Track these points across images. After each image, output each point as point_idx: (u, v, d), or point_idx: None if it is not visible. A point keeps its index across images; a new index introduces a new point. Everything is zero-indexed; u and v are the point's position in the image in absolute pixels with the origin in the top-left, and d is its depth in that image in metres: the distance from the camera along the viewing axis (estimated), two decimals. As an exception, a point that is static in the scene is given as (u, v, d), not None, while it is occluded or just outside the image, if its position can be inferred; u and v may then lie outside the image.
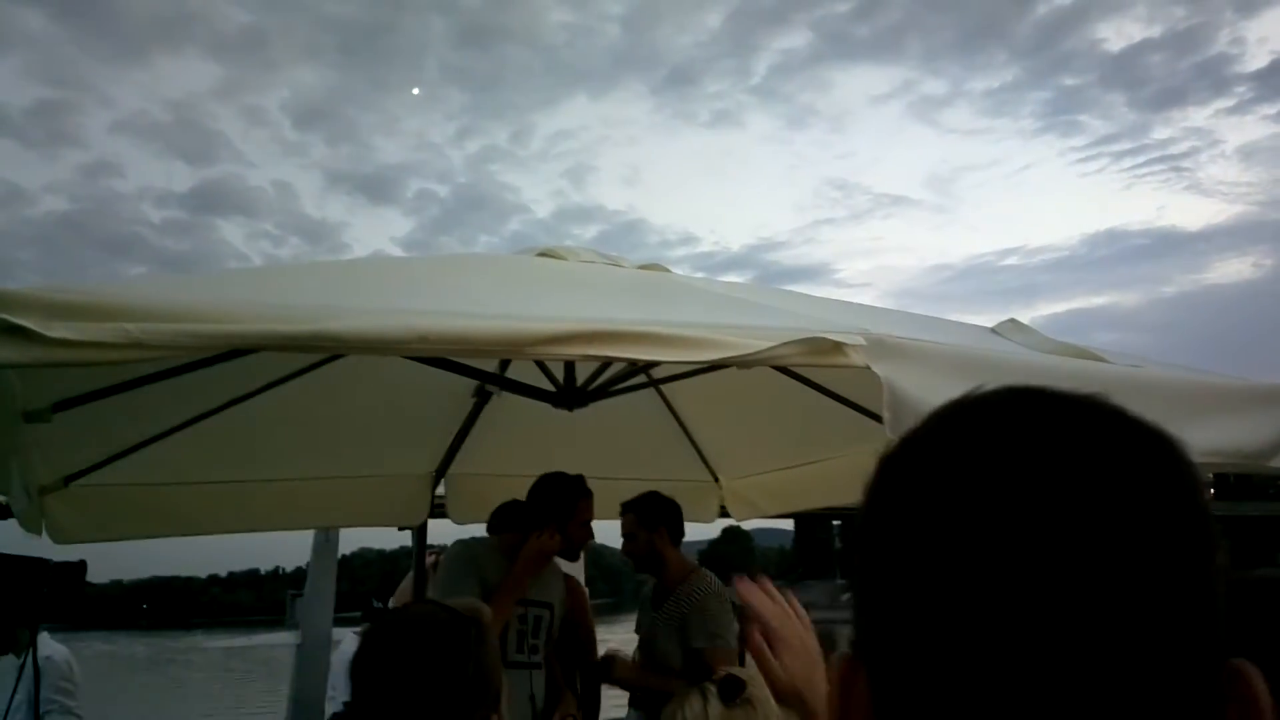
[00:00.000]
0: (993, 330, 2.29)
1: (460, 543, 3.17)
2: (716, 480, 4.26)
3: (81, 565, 2.11)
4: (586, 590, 3.88)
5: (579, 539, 3.02)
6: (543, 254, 2.74)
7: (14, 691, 2.20)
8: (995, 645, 0.39)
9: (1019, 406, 0.45)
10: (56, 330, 1.21)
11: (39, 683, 2.01)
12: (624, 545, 3.28)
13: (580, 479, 3.03)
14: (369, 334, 1.36)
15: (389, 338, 1.38)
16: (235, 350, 1.88)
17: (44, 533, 2.80)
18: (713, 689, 2.32)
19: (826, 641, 1.23)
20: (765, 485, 4.23)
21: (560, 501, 2.98)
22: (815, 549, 78.14)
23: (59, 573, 2.07)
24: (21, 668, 2.00)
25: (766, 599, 1.21)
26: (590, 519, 3.06)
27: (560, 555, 3.05)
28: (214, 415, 2.95)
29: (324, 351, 1.84)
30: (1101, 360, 1.97)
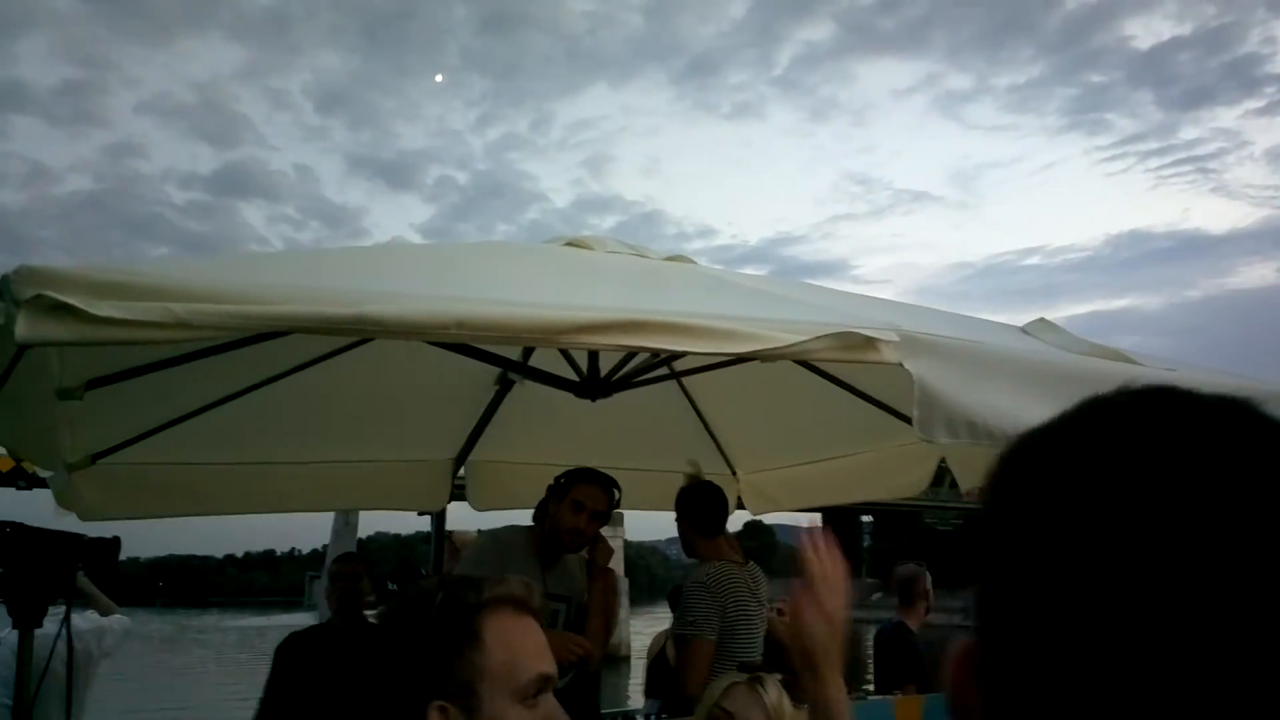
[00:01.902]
0: (1023, 330, 2.27)
1: (488, 534, 3.19)
2: (734, 473, 4.25)
3: (115, 541, 2.14)
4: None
5: (568, 523, 2.94)
6: (570, 243, 2.74)
7: (47, 664, 2.23)
8: (1157, 651, 0.38)
9: (1177, 408, 0.44)
10: (103, 309, 1.22)
11: (72, 657, 2.05)
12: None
13: (589, 469, 3.02)
14: (408, 318, 1.37)
15: (427, 322, 1.39)
16: (268, 333, 1.90)
17: (72, 509, 2.85)
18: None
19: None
20: (782, 480, 4.22)
21: (559, 485, 2.99)
22: (844, 546, 77.38)
23: (94, 548, 2.10)
24: (56, 640, 2.03)
25: (817, 557, 1.26)
26: (589, 504, 2.96)
27: (561, 547, 3.03)
28: (239, 398, 2.98)
29: (364, 335, 1.86)
30: (1134, 363, 1.95)
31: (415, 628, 1.12)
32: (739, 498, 4.31)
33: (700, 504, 3.23)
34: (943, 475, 3.75)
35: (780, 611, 2.92)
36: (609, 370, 2.97)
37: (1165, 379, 0.50)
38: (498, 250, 2.69)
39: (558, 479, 3.03)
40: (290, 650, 3.38)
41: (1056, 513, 0.43)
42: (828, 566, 1.25)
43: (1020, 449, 0.47)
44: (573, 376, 3.00)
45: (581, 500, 2.96)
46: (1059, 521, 0.42)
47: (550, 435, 3.71)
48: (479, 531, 4.20)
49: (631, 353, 2.77)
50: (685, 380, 3.71)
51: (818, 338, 1.63)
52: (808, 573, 1.23)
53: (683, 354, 1.73)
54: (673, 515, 3.27)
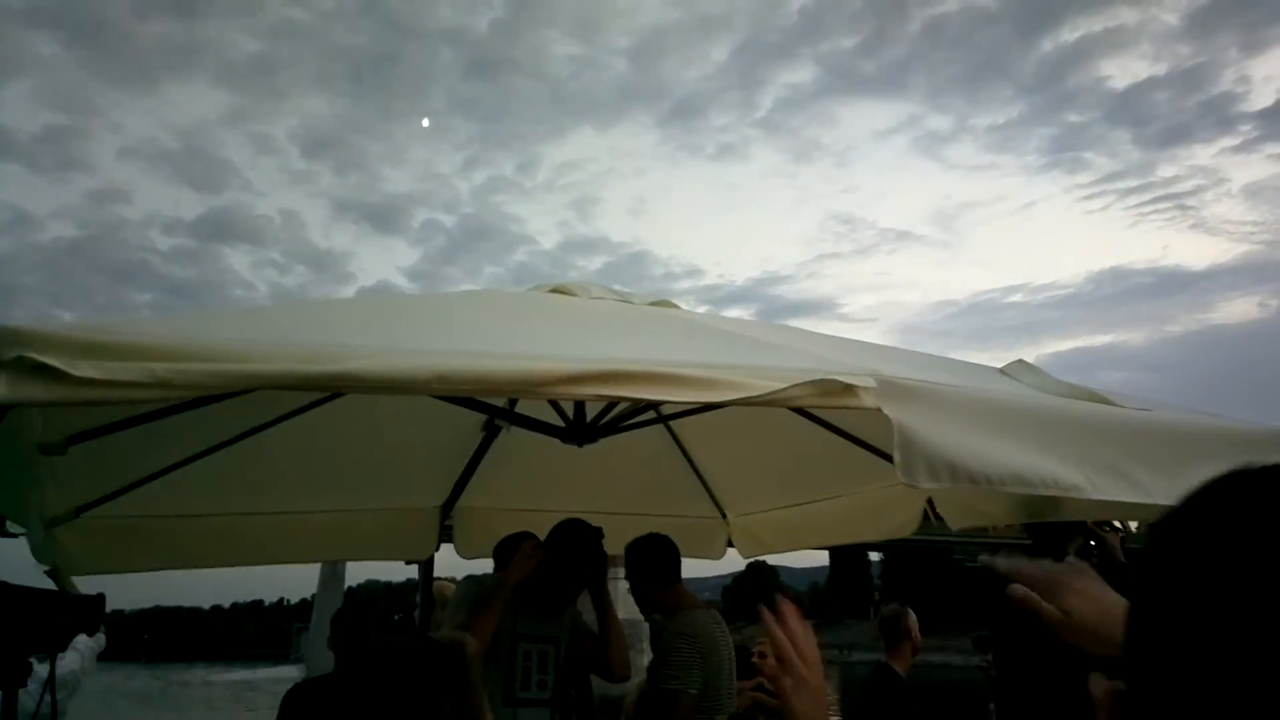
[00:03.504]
0: (1001, 371, 2.30)
1: (470, 579, 3.17)
2: (724, 516, 4.25)
3: (100, 599, 2.11)
4: (643, 625, 3.81)
5: (577, 589, 3.03)
6: (555, 290, 2.77)
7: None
8: None
9: None
10: (83, 369, 1.23)
11: (56, 713, 2.01)
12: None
13: (594, 536, 3.02)
14: (388, 374, 1.38)
15: (407, 378, 1.40)
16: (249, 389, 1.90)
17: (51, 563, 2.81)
18: None
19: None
20: (773, 522, 4.21)
21: (572, 553, 2.99)
22: (853, 586, 75.35)
23: (78, 606, 2.07)
24: (40, 700, 1.99)
25: (783, 632, 1.21)
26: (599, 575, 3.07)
27: (559, 601, 3.04)
28: (223, 448, 2.97)
29: (344, 391, 1.87)
30: (1111, 404, 1.98)
31: None
32: (729, 540, 4.30)
33: (651, 558, 3.19)
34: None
35: (763, 655, 2.88)
36: (595, 416, 2.98)
37: (1140, 420, 0.58)
38: (481, 299, 2.71)
39: (566, 541, 3.01)
40: (299, 701, 3.28)
41: (1222, 584, 0.47)
42: (799, 641, 1.21)
43: (1179, 523, 0.52)
44: (559, 422, 3.01)
45: (594, 574, 3.02)
46: (1225, 594, 0.47)
47: (537, 481, 3.70)
48: (457, 581, 4.17)
49: (615, 401, 2.78)
50: (673, 424, 3.72)
51: (796, 385, 1.64)
52: (780, 654, 1.19)
53: (664, 402, 1.75)
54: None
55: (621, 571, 3.21)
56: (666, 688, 2.83)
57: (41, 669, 2.08)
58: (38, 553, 2.61)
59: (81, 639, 3.77)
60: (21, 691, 2.09)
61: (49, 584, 2.44)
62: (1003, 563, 1.25)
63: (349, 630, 3.34)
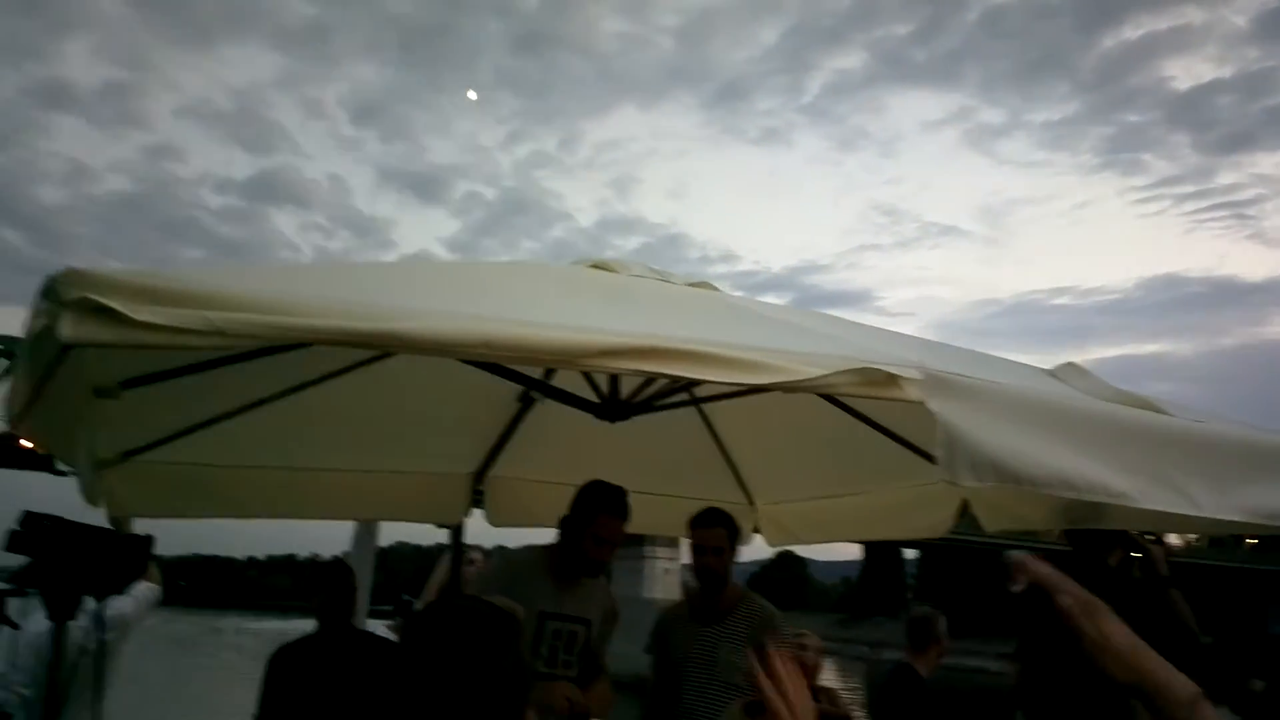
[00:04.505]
0: (1050, 373, 2.26)
1: (501, 555, 3.20)
2: (752, 503, 4.23)
3: (148, 540, 2.18)
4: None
5: (592, 554, 2.97)
6: (595, 266, 2.77)
7: (77, 658, 2.27)
8: None
9: None
10: (143, 314, 1.27)
11: (102, 655, 2.08)
12: (708, 560, 3.19)
13: (612, 493, 2.98)
14: (436, 336, 1.40)
15: (454, 340, 1.42)
16: (298, 343, 1.94)
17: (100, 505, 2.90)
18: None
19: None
20: (802, 513, 4.19)
21: (579, 510, 2.96)
22: (885, 582, 73.99)
23: (128, 545, 2.14)
24: (87, 633, 2.07)
25: (774, 683, 1.19)
26: (611, 537, 2.99)
27: (581, 572, 3.03)
28: (269, 403, 3.03)
29: (392, 350, 1.90)
30: (1163, 412, 1.93)
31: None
32: (755, 528, 4.29)
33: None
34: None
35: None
36: (629, 393, 2.98)
37: (1196, 431, 0.54)
38: (524, 270, 2.72)
39: (578, 499, 3.01)
40: (287, 660, 3.31)
41: None
42: (789, 693, 1.19)
43: None
44: (593, 397, 3.01)
45: (603, 536, 2.96)
46: None
47: (568, 455, 3.72)
48: (484, 553, 4.22)
49: (652, 377, 2.78)
50: (705, 407, 3.71)
51: (840, 372, 1.63)
52: (769, 706, 1.16)
53: (702, 382, 1.75)
54: (688, 540, 3.25)
55: (658, 550, 3.23)
56: None
57: (94, 606, 2.15)
58: (87, 494, 2.70)
59: (140, 586, 3.90)
60: (74, 626, 2.17)
61: (101, 522, 2.51)
62: (1039, 568, 1.24)
63: (337, 591, 3.40)
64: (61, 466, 2.48)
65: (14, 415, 1.43)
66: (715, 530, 3.23)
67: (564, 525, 3.01)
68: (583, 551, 2.95)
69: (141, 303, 1.29)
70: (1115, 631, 1.17)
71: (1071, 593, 1.22)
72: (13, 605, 3.16)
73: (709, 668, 3.15)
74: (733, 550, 3.25)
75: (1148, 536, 3.19)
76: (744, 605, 3.18)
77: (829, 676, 3.18)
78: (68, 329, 1.29)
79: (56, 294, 1.33)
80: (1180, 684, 1.19)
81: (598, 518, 2.95)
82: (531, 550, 3.16)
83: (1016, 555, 1.36)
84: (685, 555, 3.40)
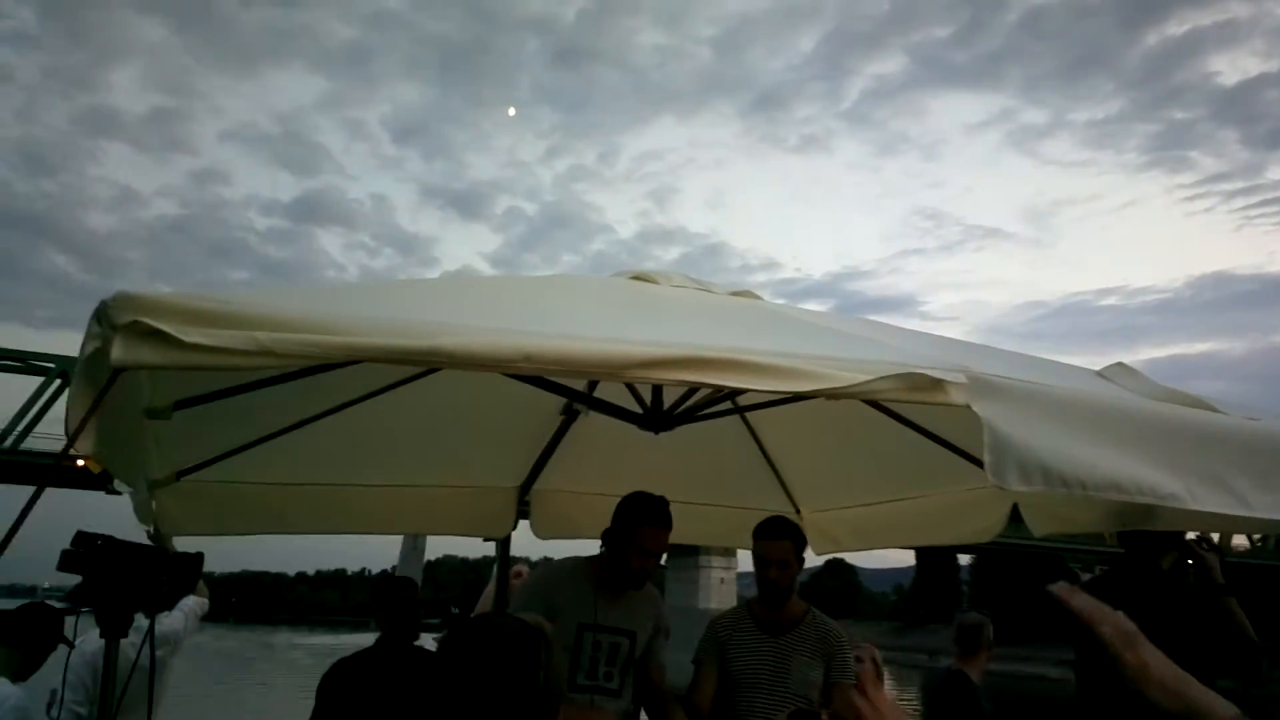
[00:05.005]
0: (1099, 374, 2.20)
1: (544, 565, 3.21)
2: (798, 511, 4.19)
3: (199, 557, 2.23)
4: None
5: (635, 565, 2.93)
6: (636, 277, 2.78)
7: (130, 674, 2.32)
8: None
9: None
10: (193, 336, 1.30)
11: (154, 671, 2.13)
12: (772, 574, 3.11)
13: (653, 504, 2.94)
14: (477, 351, 1.41)
15: (496, 355, 1.43)
16: (344, 361, 1.97)
17: (151, 524, 2.98)
18: None
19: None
20: (847, 520, 4.14)
21: (621, 522, 2.94)
22: (940, 589, 72.86)
23: (178, 563, 2.19)
24: (139, 650, 2.12)
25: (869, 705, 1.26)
26: (654, 548, 2.95)
27: (625, 583, 3.01)
28: (317, 420, 3.09)
29: (435, 366, 1.92)
30: (1216, 411, 1.87)
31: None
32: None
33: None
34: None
35: (859, 659, 2.83)
36: (672, 403, 2.97)
37: (1250, 429, 0.52)
38: (565, 284, 2.74)
39: (620, 511, 3.00)
40: (342, 677, 3.30)
41: None
42: (886, 713, 1.25)
43: None
44: (636, 409, 3.01)
45: (646, 547, 2.93)
46: None
47: (612, 466, 3.72)
48: (530, 565, 4.23)
49: (695, 387, 2.77)
50: (749, 415, 3.69)
51: (883, 378, 1.61)
52: None
53: (745, 391, 1.74)
54: (752, 552, 3.23)
55: (714, 559, 3.22)
56: (848, 683, 3.02)
57: (144, 622, 2.20)
58: (140, 513, 2.77)
59: (189, 600, 4.00)
60: (125, 643, 2.22)
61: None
62: (1078, 601, 1.26)
63: (401, 608, 3.42)
64: (116, 486, 2.54)
65: (70, 436, 1.48)
66: (782, 543, 3.14)
67: (606, 537, 3.00)
68: (626, 563, 2.93)
69: (191, 325, 1.32)
70: (1155, 661, 1.20)
71: (1111, 623, 1.25)
72: (68, 624, 3.25)
73: (782, 679, 3.11)
74: (799, 563, 3.20)
75: (1203, 545, 3.08)
76: (809, 617, 3.15)
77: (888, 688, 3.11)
78: (119, 352, 1.33)
79: (109, 318, 1.37)
80: (1221, 707, 1.23)
81: (640, 528, 2.92)
82: (573, 561, 3.14)
83: (1058, 587, 1.37)
84: (742, 565, 3.39)
